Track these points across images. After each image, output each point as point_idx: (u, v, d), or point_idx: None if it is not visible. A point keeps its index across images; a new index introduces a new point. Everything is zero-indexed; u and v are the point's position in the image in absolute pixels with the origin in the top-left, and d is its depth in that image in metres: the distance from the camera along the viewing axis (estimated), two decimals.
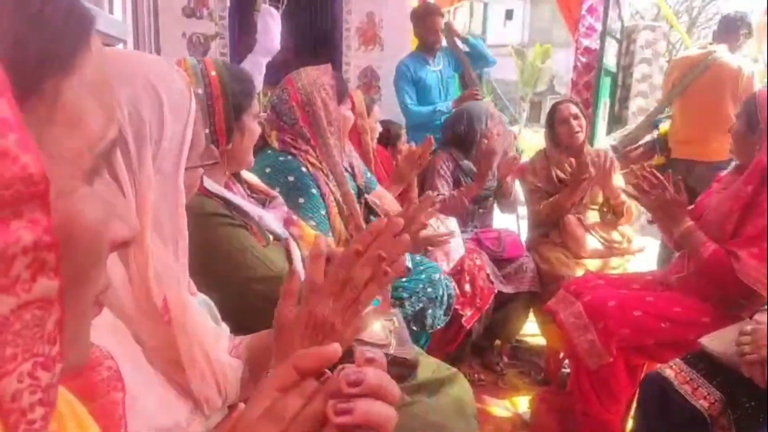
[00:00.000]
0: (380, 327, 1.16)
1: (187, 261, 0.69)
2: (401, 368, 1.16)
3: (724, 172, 1.87)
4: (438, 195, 2.45)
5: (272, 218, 1.17)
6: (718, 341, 1.36)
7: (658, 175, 1.70)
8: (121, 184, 0.59)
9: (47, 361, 0.25)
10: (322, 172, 1.57)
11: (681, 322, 1.60)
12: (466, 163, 2.52)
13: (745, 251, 1.53)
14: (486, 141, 2.47)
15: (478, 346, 2.46)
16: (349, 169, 1.81)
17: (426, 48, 3.34)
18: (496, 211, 2.77)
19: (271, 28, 2.38)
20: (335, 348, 0.40)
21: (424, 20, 3.27)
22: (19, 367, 0.24)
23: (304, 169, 1.53)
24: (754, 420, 1.24)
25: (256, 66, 2.35)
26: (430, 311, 1.80)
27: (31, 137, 0.24)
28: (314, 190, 1.53)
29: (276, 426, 0.38)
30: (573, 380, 1.84)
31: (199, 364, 0.67)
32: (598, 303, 1.70)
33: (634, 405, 1.59)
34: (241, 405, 0.42)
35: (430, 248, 2.05)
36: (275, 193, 1.26)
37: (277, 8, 2.43)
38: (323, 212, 1.53)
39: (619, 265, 2.37)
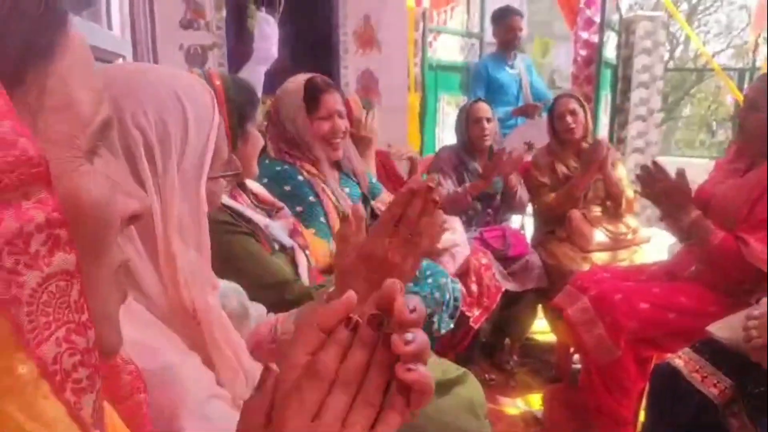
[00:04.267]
0: None
1: (210, 266, 0.72)
2: None
3: (719, 160, 1.86)
4: (440, 186, 2.45)
5: (278, 228, 1.18)
6: (725, 328, 1.35)
7: (660, 165, 1.69)
8: (146, 190, 0.62)
9: (78, 327, 0.27)
10: (320, 178, 1.58)
11: (688, 312, 1.59)
12: (473, 165, 2.53)
13: (754, 236, 1.53)
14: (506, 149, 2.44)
15: (487, 345, 2.46)
16: (353, 177, 1.82)
17: (504, 47, 3.51)
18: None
19: (268, 36, 2.40)
20: (351, 295, 0.39)
21: (503, 20, 3.46)
22: (54, 333, 0.26)
23: (300, 177, 1.54)
24: (764, 404, 1.23)
25: (255, 74, 2.36)
26: (436, 316, 1.80)
27: (24, 123, 0.25)
28: (312, 198, 1.54)
29: (320, 384, 0.36)
30: (583, 375, 1.84)
31: (230, 362, 0.69)
32: (605, 297, 1.70)
33: (645, 397, 1.58)
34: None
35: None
36: (281, 204, 1.27)
37: (273, 16, 2.44)
38: (322, 219, 1.54)
39: (627, 257, 2.36)
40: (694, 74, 11.28)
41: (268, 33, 2.41)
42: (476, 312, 2.12)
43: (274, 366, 0.39)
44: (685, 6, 12.75)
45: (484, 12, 4.75)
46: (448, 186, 2.47)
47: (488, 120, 2.50)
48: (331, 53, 3.57)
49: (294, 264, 1.16)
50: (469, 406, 1.21)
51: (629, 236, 2.38)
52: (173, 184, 0.64)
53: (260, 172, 1.54)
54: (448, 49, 4.84)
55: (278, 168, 1.57)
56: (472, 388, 1.27)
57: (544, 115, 3.29)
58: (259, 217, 1.14)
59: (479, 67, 3.57)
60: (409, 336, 0.37)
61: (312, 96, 1.61)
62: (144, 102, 0.62)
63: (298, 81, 1.64)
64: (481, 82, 3.47)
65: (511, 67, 3.47)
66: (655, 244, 2.49)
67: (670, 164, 1.73)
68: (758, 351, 1.23)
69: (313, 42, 3.78)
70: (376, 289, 0.70)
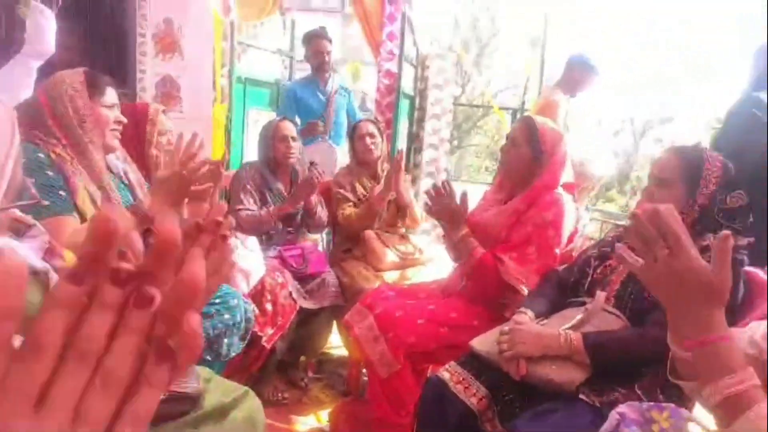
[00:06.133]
0: None
1: None
2: (182, 404, 1.12)
3: (486, 191, 2.11)
4: (241, 209, 2.40)
5: (27, 249, 1.04)
6: (484, 342, 1.53)
7: (449, 185, 1.87)
8: None
9: None
10: (71, 164, 1.50)
11: (457, 327, 1.77)
12: (276, 184, 2.52)
13: (508, 255, 1.77)
14: (314, 172, 2.46)
15: (283, 363, 2.46)
16: (124, 178, 1.71)
17: (315, 70, 3.61)
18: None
19: (44, 30, 2.13)
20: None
21: (309, 43, 3.57)
22: None
23: (41, 154, 1.45)
24: (512, 410, 1.42)
25: (24, 68, 2.08)
26: (226, 339, 1.75)
27: None
28: (50, 171, 1.44)
29: (44, 357, 0.28)
30: (370, 388, 1.93)
31: None
32: (388, 314, 1.82)
33: (418, 405, 1.71)
34: None
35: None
36: (32, 220, 1.12)
37: (51, 8, 2.17)
38: (62, 193, 1.43)
39: (413, 276, 2.55)
40: (481, 109, 12.74)
41: (43, 26, 2.13)
42: (269, 331, 2.11)
43: None
44: (475, 48, 14.40)
45: (294, 32, 4.82)
46: (249, 205, 2.42)
47: (293, 138, 2.52)
48: (126, 54, 3.30)
49: (49, 290, 1.03)
50: (248, 426, 1.20)
51: (416, 255, 2.59)
52: None
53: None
54: (259, 64, 4.81)
55: (37, 154, 1.45)
56: (251, 407, 1.25)
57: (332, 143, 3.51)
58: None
59: (288, 92, 3.70)
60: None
61: (94, 83, 1.58)
62: None
63: (75, 69, 1.60)
64: (289, 104, 3.58)
65: (323, 93, 3.57)
66: (438, 264, 2.74)
67: (458, 188, 1.92)
68: (507, 362, 1.42)
69: (106, 40, 3.45)
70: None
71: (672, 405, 0.87)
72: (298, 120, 3.48)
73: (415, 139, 4.45)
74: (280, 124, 2.55)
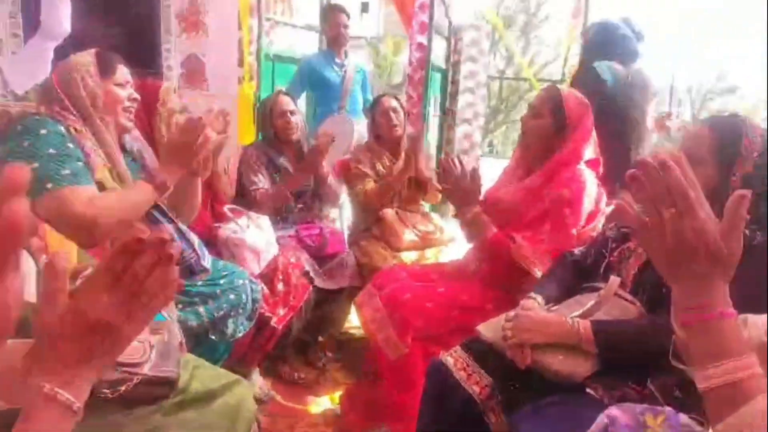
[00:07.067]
0: (135, 342, 1.07)
1: None
2: (160, 387, 1.09)
3: (506, 166, 1.99)
4: (256, 189, 2.37)
5: None
6: (490, 328, 1.43)
7: (458, 160, 1.79)
8: None
9: None
10: (90, 140, 1.53)
11: (468, 309, 1.69)
12: (281, 160, 2.46)
13: (521, 235, 1.66)
14: (316, 140, 2.42)
15: (301, 343, 2.43)
16: (137, 156, 1.71)
17: (331, 44, 3.59)
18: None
19: (58, 9, 2.13)
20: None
21: (327, 16, 3.60)
22: None
23: (61, 127, 1.48)
24: (517, 400, 1.33)
25: (41, 51, 2.09)
26: (231, 319, 1.73)
27: None
28: (70, 144, 1.47)
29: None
30: (379, 371, 1.88)
31: None
32: (395, 296, 1.75)
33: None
34: None
35: (236, 248, 1.99)
36: None
37: None
38: (80, 163, 1.46)
39: (432, 256, 2.47)
40: (528, 82, 12.27)
41: (57, 5, 2.13)
42: (281, 311, 2.07)
43: None
44: (522, 17, 13.90)
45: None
46: (261, 183, 2.38)
47: (292, 113, 2.44)
48: (150, 33, 3.30)
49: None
50: (232, 417, 1.16)
51: (436, 235, 2.49)
52: None
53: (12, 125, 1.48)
54: (289, 40, 4.76)
55: (37, 117, 1.50)
56: (239, 396, 1.21)
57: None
58: None
59: (301, 66, 3.66)
60: None
61: (104, 63, 1.60)
62: None
63: (86, 51, 1.63)
64: (302, 80, 3.54)
65: (340, 66, 3.50)
66: (461, 243, 2.63)
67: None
68: (512, 350, 1.33)
69: (130, 19, 3.46)
70: (88, 356, 0.62)
71: (669, 409, 0.77)
72: (310, 93, 3.48)
73: (448, 114, 4.32)
74: (277, 99, 2.46)
